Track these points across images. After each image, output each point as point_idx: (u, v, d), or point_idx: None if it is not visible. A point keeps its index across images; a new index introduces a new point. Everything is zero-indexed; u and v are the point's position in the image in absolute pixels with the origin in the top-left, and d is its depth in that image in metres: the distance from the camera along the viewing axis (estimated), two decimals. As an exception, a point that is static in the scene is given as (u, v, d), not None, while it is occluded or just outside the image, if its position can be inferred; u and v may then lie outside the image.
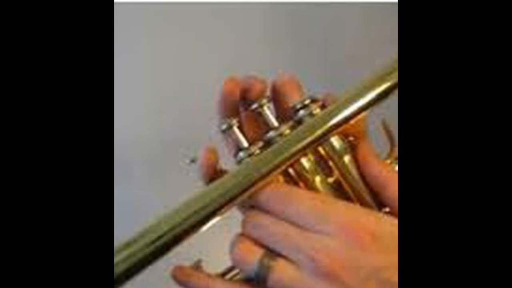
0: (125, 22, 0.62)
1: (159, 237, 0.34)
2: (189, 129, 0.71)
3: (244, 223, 0.36)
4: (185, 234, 0.35)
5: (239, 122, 0.38)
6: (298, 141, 0.36)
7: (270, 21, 0.76)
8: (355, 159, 0.37)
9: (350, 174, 0.37)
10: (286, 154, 0.36)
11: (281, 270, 0.34)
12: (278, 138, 0.37)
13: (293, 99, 0.38)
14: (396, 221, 0.34)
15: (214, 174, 0.37)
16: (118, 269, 0.34)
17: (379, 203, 0.37)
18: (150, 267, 0.35)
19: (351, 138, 0.38)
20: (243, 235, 0.36)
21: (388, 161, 0.41)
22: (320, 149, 0.37)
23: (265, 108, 0.38)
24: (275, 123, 0.38)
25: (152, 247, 0.34)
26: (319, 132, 0.36)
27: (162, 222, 0.35)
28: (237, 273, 0.38)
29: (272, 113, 0.38)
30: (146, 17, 0.73)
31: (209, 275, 0.37)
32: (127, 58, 0.68)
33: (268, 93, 0.40)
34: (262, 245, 0.35)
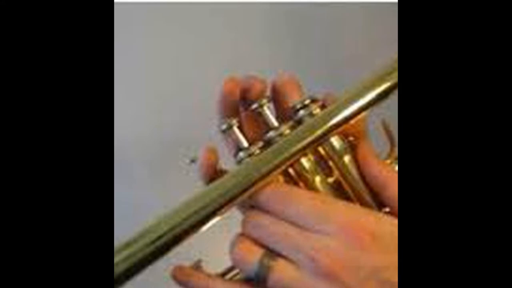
0: (125, 22, 0.62)
1: (159, 237, 0.34)
2: (189, 129, 0.70)
3: (244, 223, 0.36)
4: (185, 234, 0.35)
5: (239, 122, 0.38)
6: (298, 141, 0.36)
7: (270, 21, 0.76)
8: (355, 159, 0.37)
9: (350, 174, 0.37)
10: (286, 154, 0.36)
11: (281, 270, 0.34)
12: (278, 138, 0.37)
13: (293, 99, 0.38)
14: (396, 221, 0.34)
15: (214, 174, 0.37)
16: (118, 269, 0.34)
17: (379, 203, 0.37)
18: (150, 267, 0.35)
19: (351, 138, 0.38)
20: (243, 235, 0.36)
21: (388, 161, 0.41)
22: (320, 149, 0.37)
23: (265, 108, 0.38)
24: (275, 123, 0.38)
25: (152, 247, 0.34)
26: (319, 132, 0.36)
27: (162, 222, 0.35)
28: (237, 273, 0.38)
29: (272, 113, 0.38)
30: (146, 17, 0.73)
31: (209, 275, 0.37)
32: (127, 58, 0.68)
33: (268, 93, 0.40)
34: (262, 245, 0.35)
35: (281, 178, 0.37)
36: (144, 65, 0.73)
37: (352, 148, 0.38)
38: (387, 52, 0.37)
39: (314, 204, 0.34)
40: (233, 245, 0.36)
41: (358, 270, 0.32)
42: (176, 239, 0.35)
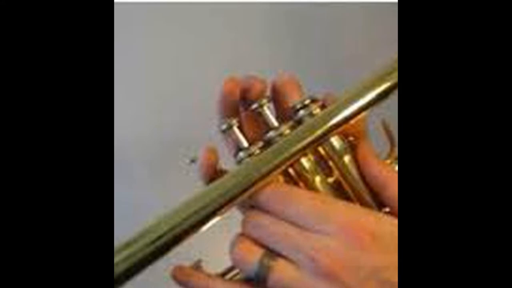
0: (125, 22, 0.62)
1: (159, 237, 0.34)
2: (189, 129, 0.70)
3: (244, 223, 0.36)
4: (185, 234, 0.35)
5: (239, 122, 0.38)
6: (298, 141, 0.36)
7: (270, 21, 0.76)
8: (355, 159, 0.37)
9: (350, 174, 0.37)
10: (286, 154, 0.36)
11: (281, 270, 0.34)
12: (278, 138, 0.37)
13: (293, 99, 0.38)
14: (396, 221, 0.34)
15: (214, 174, 0.37)
16: (118, 269, 0.34)
17: (379, 203, 0.37)
18: (150, 267, 0.35)
19: (351, 138, 0.38)
20: (243, 235, 0.36)
21: (388, 161, 0.41)
22: (320, 149, 0.37)
23: (265, 108, 0.38)
24: (275, 123, 0.38)
25: (152, 247, 0.34)
26: (319, 132, 0.36)
27: (162, 222, 0.35)
28: (237, 273, 0.38)
29: (272, 113, 0.38)
30: (146, 17, 0.73)
31: (209, 275, 0.37)
32: (127, 58, 0.68)
33: (268, 93, 0.40)
34: (262, 245, 0.35)
35: (281, 178, 0.37)
36: (144, 65, 0.73)
37: (352, 148, 0.38)
38: (387, 52, 0.37)
39: (314, 204, 0.34)
40: (233, 245, 0.36)
41: (358, 270, 0.32)
42: (176, 239, 0.35)
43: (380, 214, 0.36)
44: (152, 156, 0.74)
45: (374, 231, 0.33)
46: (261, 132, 0.39)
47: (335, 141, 0.37)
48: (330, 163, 0.38)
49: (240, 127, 0.38)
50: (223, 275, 0.38)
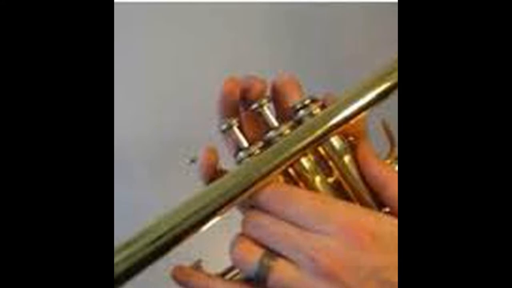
0: (125, 22, 0.62)
1: (159, 237, 0.34)
2: (189, 129, 0.70)
3: (244, 223, 0.36)
4: (185, 234, 0.35)
5: (239, 122, 0.38)
6: (298, 141, 0.36)
7: (270, 21, 0.76)
8: (355, 159, 0.37)
9: (350, 174, 0.37)
10: (286, 154, 0.36)
11: (281, 270, 0.34)
12: (278, 138, 0.37)
13: (293, 99, 0.38)
14: (396, 221, 0.34)
15: (214, 174, 0.37)
16: (118, 269, 0.34)
17: (379, 203, 0.37)
18: (150, 267, 0.35)
19: (351, 138, 0.38)
20: (243, 235, 0.36)
21: (388, 161, 0.41)
22: (320, 149, 0.37)
23: (265, 108, 0.38)
24: (275, 123, 0.38)
25: (152, 247, 0.34)
26: (319, 132, 0.36)
27: (162, 222, 0.35)
28: (237, 273, 0.38)
29: (272, 113, 0.38)
30: (146, 17, 0.73)
31: (209, 275, 0.37)
32: (127, 58, 0.68)
33: (268, 93, 0.40)
34: (262, 245, 0.35)
35: (281, 178, 0.37)
36: (144, 65, 0.73)
37: (352, 148, 0.38)
38: (387, 52, 0.37)
39: (314, 204, 0.34)
40: (233, 245, 0.36)
41: (358, 270, 0.32)
42: (176, 239, 0.35)
43: (380, 214, 0.36)
44: (152, 156, 0.74)
45: (374, 231, 0.33)
46: (261, 132, 0.39)
47: (335, 141, 0.37)
48: (330, 163, 0.38)
49: (240, 127, 0.38)
50: (223, 275, 0.38)
